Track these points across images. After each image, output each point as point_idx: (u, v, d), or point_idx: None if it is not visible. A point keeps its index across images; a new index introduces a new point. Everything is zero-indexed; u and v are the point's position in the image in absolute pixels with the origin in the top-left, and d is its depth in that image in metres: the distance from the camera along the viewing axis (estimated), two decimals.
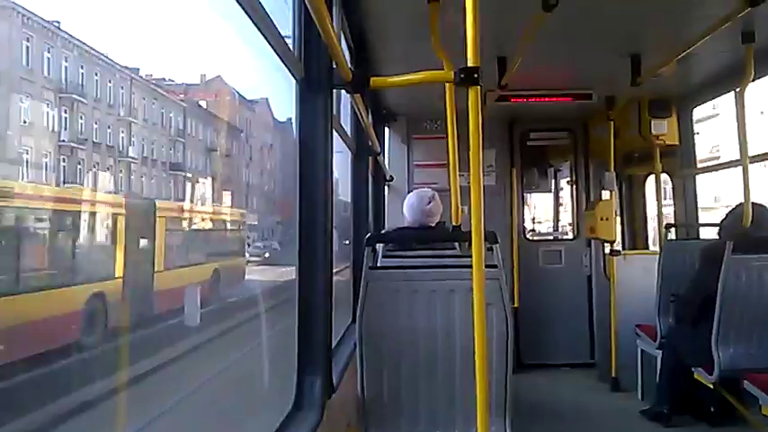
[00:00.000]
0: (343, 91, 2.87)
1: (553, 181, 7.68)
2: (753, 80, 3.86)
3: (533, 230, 7.69)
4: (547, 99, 5.06)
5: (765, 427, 3.79)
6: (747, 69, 3.76)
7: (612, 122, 5.31)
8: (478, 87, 1.97)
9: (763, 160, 4.70)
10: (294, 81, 2.36)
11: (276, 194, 22.20)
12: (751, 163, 4.06)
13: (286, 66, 2.16)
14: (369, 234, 2.78)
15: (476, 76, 1.94)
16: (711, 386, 3.86)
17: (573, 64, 4.57)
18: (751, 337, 3.70)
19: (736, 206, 4.09)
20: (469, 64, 1.95)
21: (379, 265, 2.87)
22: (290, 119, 2.75)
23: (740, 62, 3.86)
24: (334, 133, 2.93)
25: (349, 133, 4.07)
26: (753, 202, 3.91)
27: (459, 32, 1.96)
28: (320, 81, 2.35)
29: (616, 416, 4.58)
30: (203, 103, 18.65)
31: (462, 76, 1.96)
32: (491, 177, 6.18)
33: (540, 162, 7.08)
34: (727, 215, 4.20)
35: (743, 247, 3.71)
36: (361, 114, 3.42)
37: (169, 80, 15.95)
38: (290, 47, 2.22)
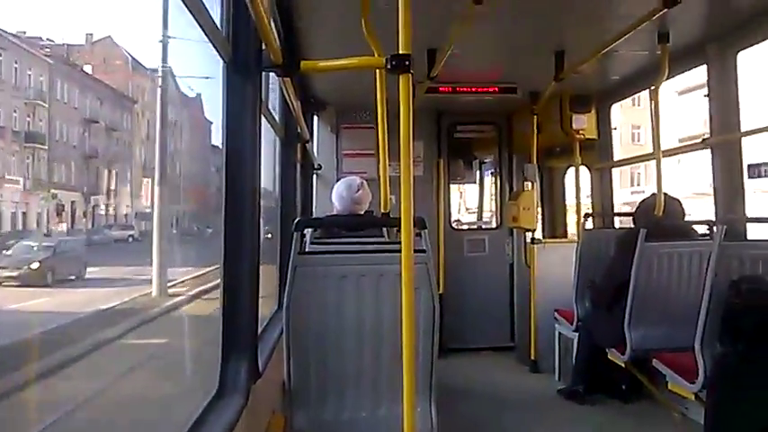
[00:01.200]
0: (272, 76, 2.82)
1: (478, 172, 7.88)
2: (666, 78, 4.10)
3: (458, 220, 7.87)
4: (474, 90, 5.17)
5: (671, 401, 4.06)
6: (662, 68, 3.98)
7: (536, 117, 5.50)
8: (409, 75, 1.99)
9: (675, 154, 5.00)
10: (222, 62, 2.30)
11: (182, 178, 18.80)
12: (664, 157, 4.32)
13: (213, 46, 2.10)
14: (297, 218, 2.76)
15: (407, 63, 1.96)
16: (623, 366, 4.10)
17: (500, 58, 4.69)
18: (660, 320, 3.93)
19: (649, 197, 4.34)
20: (401, 51, 1.96)
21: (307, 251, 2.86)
22: (200, 94, 2.63)
23: (656, 61, 4.08)
24: (263, 118, 2.89)
25: (278, 119, 4.01)
26: (665, 194, 4.16)
27: (390, 20, 1.97)
28: (249, 63, 2.30)
29: (535, 396, 4.78)
30: (88, 68, 16.37)
31: (393, 63, 1.97)
32: (419, 168, 6.27)
33: (467, 154, 7.25)
34: (639, 205, 4.44)
35: (655, 236, 3.94)
36: (290, 99, 3.38)
37: (48, 39, 13.74)
38: (218, 26, 2.16)
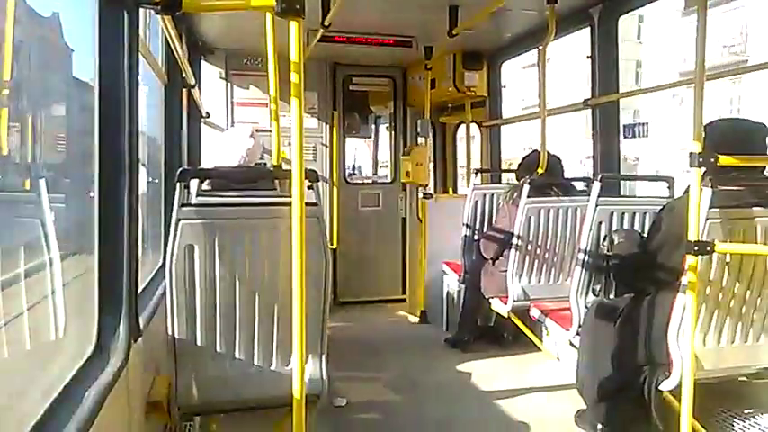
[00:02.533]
0: (154, 16, 2.61)
1: (373, 126, 7.86)
2: (553, 39, 4.23)
3: (354, 174, 7.86)
4: (369, 40, 5.10)
5: (548, 347, 4.36)
6: (550, 29, 4.10)
7: (429, 72, 5.53)
8: (301, 20, 1.90)
9: (559, 113, 5.22)
10: None
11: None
12: (548, 116, 4.49)
13: None
14: (181, 168, 2.61)
15: (298, 7, 1.87)
16: (506, 315, 4.32)
17: (395, 10, 4.62)
18: (540, 271, 4.16)
19: (530, 153, 4.51)
20: None
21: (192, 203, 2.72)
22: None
23: (544, 21, 4.20)
24: (142, 60, 2.67)
25: (160, 63, 3.75)
26: (547, 151, 4.35)
27: None
28: None
29: (423, 345, 4.94)
30: None
31: (284, 5, 1.87)
32: (313, 120, 6.15)
33: (362, 107, 7.19)
34: (522, 162, 4.61)
35: (537, 191, 4.12)
36: (172, 41, 3.15)
37: None
38: None
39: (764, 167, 2.75)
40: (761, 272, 2.62)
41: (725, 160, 2.35)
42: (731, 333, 2.73)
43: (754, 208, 2.62)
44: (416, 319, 5.66)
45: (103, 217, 2.06)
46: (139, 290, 2.50)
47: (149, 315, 2.58)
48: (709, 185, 2.43)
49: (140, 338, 2.27)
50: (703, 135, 2.40)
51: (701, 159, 2.33)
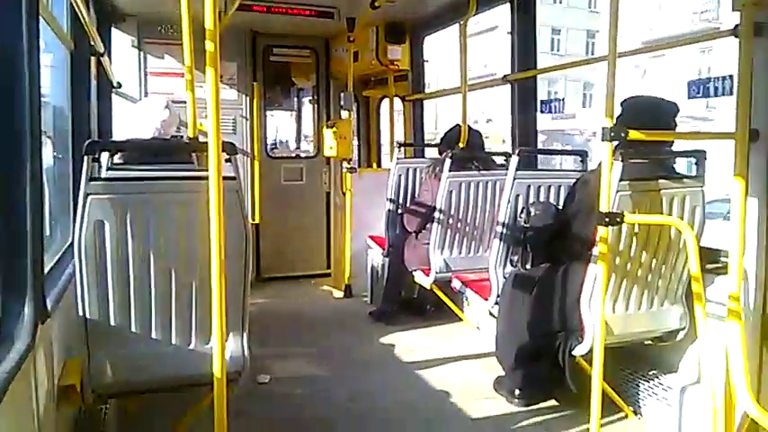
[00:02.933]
0: None
1: (296, 99, 7.71)
2: (474, 14, 4.28)
3: (276, 147, 7.69)
4: (290, 11, 4.97)
5: (468, 317, 4.48)
6: (471, 3, 4.14)
7: (352, 44, 5.46)
8: None
9: (480, 88, 5.31)
10: None
11: None
12: (469, 91, 4.56)
13: None
14: (89, 140, 2.47)
15: None
16: (428, 287, 4.40)
17: None
18: (461, 244, 4.26)
19: (452, 128, 4.57)
20: None
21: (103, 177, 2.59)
22: None
23: None
24: (44, 24, 2.49)
25: (65, 28, 3.51)
26: (468, 126, 4.42)
27: None
28: None
29: (348, 319, 4.97)
30: None
31: None
32: (232, 91, 5.97)
33: (284, 80, 7.02)
34: (444, 135, 4.67)
35: (458, 164, 4.19)
36: (78, 6, 2.94)
37: None
38: None
39: (672, 142, 2.90)
40: (665, 242, 2.78)
41: (634, 134, 2.45)
42: (638, 300, 2.90)
43: (660, 180, 2.77)
44: (341, 294, 5.67)
45: (2, 192, 1.92)
46: (46, 269, 2.37)
47: (58, 295, 2.45)
48: (620, 159, 2.54)
49: (48, 320, 2.16)
50: (618, 111, 2.49)
51: (612, 134, 2.43)
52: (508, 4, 4.41)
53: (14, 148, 1.90)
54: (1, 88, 1.90)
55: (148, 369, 2.41)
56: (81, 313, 2.29)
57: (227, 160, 2.27)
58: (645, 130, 2.51)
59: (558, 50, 35.55)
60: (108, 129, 5.08)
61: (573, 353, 2.89)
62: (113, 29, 5.36)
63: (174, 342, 2.43)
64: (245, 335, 2.51)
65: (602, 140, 2.44)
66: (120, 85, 5.33)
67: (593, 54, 32.57)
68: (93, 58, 4.19)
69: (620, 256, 2.70)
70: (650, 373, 3.16)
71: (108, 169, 2.85)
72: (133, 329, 2.37)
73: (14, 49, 1.93)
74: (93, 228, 2.25)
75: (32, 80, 1.96)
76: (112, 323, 2.34)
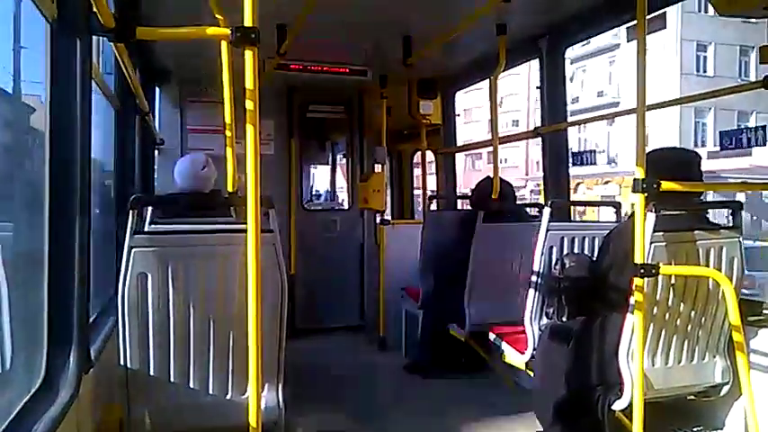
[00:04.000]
0: (110, 44, 2.59)
1: (330, 154, 7.89)
2: (504, 69, 4.37)
3: (311, 201, 7.84)
4: (325, 69, 5.15)
5: (505, 372, 4.40)
6: (500, 59, 4.24)
7: (385, 100, 5.61)
8: (255, 49, 1.93)
9: (511, 141, 5.38)
10: (45, 22, 2.06)
11: None
12: (500, 144, 4.62)
13: (33, 1, 1.88)
14: (134, 195, 2.58)
15: (253, 36, 1.90)
16: (463, 340, 4.35)
17: (350, 39, 4.71)
18: (496, 296, 4.22)
19: (483, 180, 4.61)
20: (246, 24, 1.89)
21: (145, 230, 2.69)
22: None
23: (495, 52, 4.33)
24: (95, 88, 2.65)
25: (113, 89, 3.71)
26: (499, 178, 4.46)
27: None
28: (76, 25, 2.09)
29: (382, 371, 4.93)
30: None
31: (239, 35, 1.90)
32: (269, 147, 6.14)
33: (319, 135, 7.22)
34: (475, 187, 4.71)
35: (491, 216, 4.20)
36: (125, 68, 3.13)
37: None
38: None
39: (701, 193, 2.89)
40: (703, 292, 2.72)
41: (666, 185, 2.46)
42: (678, 353, 2.82)
43: (694, 231, 2.74)
44: (375, 347, 5.64)
45: (54, 246, 2.02)
46: (90, 320, 2.45)
47: (101, 345, 2.52)
48: (653, 210, 2.54)
49: (91, 370, 2.22)
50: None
51: (644, 185, 2.43)
52: (537, 59, 4.51)
53: (66, 206, 2.01)
54: (55, 150, 2.02)
55: (186, 419, 2.44)
56: (122, 363, 2.35)
57: (264, 214, 2.34)
58: (674, 180, 2.52)
59: (704, 71, 28.10)
60: (150, 184, 5.27)
61: (612, 408, 2.81)
62: (157, 88, 5.63)
63: (211, 392, 2.46)
64: (281, 386, 2.52)
65: (633, 192, 2.45)
66: (162, 142, 5.56)
67: (746, 77, 26.05)
68: (137, 117, 4.40)
69: (657, 307, 2.66)
70: (695, 429, 3.04)
71: (151, 223, 2.96)
72: (172, 379, 2.42)
73: (69, 113, 2.06)
74: (137, 280, 2.33)
75: (84, 142, 2.09)
76: (152, 373, 2.39)
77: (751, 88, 2.79)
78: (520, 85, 34.85)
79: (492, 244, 4.18)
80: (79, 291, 2.07)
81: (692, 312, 2.77)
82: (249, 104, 1.94)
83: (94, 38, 2.28)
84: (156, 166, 5.54)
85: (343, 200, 7.42)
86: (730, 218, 2.87)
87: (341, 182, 7.77)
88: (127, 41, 2.65)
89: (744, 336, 2.42)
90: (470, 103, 29.82)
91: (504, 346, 3.88)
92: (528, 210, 4.59)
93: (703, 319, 2.80)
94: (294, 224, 6.15)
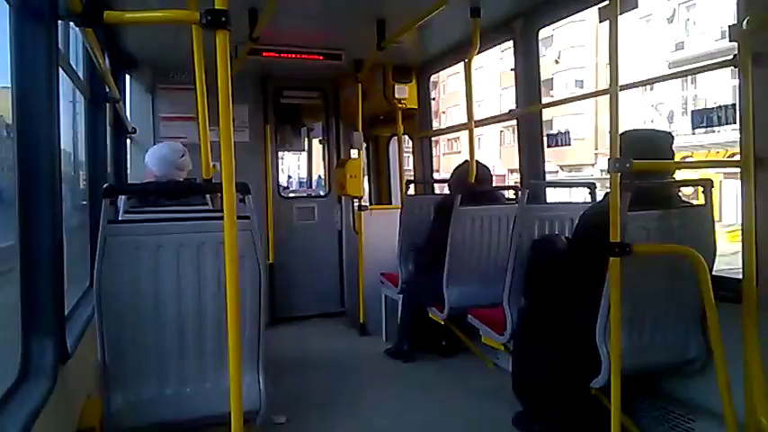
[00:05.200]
0: (76, 30, 2.53)
1: (306, 140, 7.85)
2: (478, 52, 4.37)
3: (287, 188, 7.79)
4: (298, 56, 5.10)
5: (484, 353, 4.45)
6: (474, 42, 4.24)
7: (360, 85, 5.58)
8: (227, 32, 1.89)
9: (487, 124, 5.39)
10: (7, 7, 2.01)
11: None
12: (476, 126, 4.63)
13: None
14: (107, 184, 2.53)
15: (224, 19, 1.87)
16: (443, 323, 4.39)
17: (324, 23, 4.66)
18: (474, 279, 4.25)
19: (461, 164, 4.63)
20: (217, 6, 1.86)
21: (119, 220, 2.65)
22: None
23: (469, 35, 4.33)
24: (62, 74, 2.59)
25: (81, 76, 3.63)
26: (476, 161, 4.47)
27: None
28: (41, 9, 2.03)
29: (363, 357, 4.94)
30: None
31: (209, 17, 1.86)
32: (245, 133, 6.08)
33: (294, 121, 7.17)
34: (453, 172, 4.72)
35: (468, 200, 4.22)
36: (94, 54, 3.06)
37: None
38: None
39: (673, 172, 2.93)
40: (677, 269, 2.77)
41: (639, 165, 2.49)
42: (653, 330, 2.88)
43: (668, 210, 2.79)
44: (356, 332, 5.65)
45: (25, 237, 1.98)
46: (66, 311, 2.41)
47: (78, 336, 2.49)
48: (626, 189, 2.57)
49: (69, 361, 2.19)
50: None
51: (617, 165, 2.46)
52: (511, 42, 4.51)
53: (36, 196, 1.97)
54: (22, 138, 1.98)
55: (166, 409, 2.42)
56: (99, 355, 2.32)
57: (240, 200, 2.32)
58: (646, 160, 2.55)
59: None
60: (123, 173, 5.19)
61: (590, 386, 2.86)
62: (127, 75, 5.52)
63: (191, 382, 2.45)
64: (261, 374, 2.52)
65: (609, 171, 2.48)
66: (134, 130, 5.46)
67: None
68: (108, 104, 4.31)
69: (631, 286, 2.70)
70: (671, 405, 3.11)
71: (125, 212, 2.91)
72: (150, 370, 2.40)
73: (35, 99, 2.01)
74: (111, 270, 2.30)
75: (51, 129, 2.04)
76: (130, 364, 2.36)
77: (723, 66, 2.82)
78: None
79: (470, 227, 4.20)
80: (54, 281, 2.04)
81: (666, 290, 2.82)
82: (221, 90, 1.92)
83: (61, 22, 2.22)
84: (128, 155, 5.44)
85: (320, 186, 7.39)
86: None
87: (317, 168, 7.73)
88: (94, 26, 2.59)
89: (717, 312, 2.46)
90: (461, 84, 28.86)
91: (483, 327, 3.92)
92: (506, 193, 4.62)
93: (677, 296, 2.85)
94: (271, 212, 6.11)
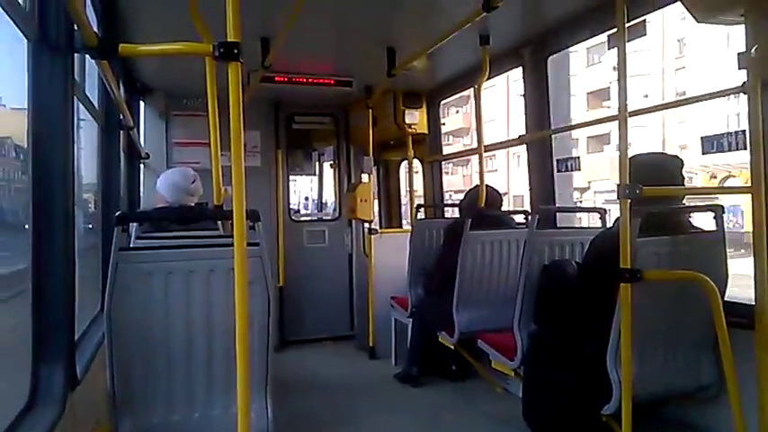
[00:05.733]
0: (92, 60, 2.60)
1: (317, 164, 7.91)
2: (487, 78, 4.41)
3: (298, 211, 7.83)
4: (310, 81, 5.17)
5: (494, 378, 4.41)
6: (484, 68, 4.28)
7: (371, 110, 5.64)
8: (239, 64, 1.93)
9: (496, 149, 5.41)
10: (26, 41, 2.06)
11: None
12: (486, 151, 4.65)
13: (13, 21, 1.88)
14: (119, 212, 2.57)
15: (236, 51, 1.91)
16: (453, 347, 4.36)
17: (335, 51, 4.73)
18: (484, 303, 4.23)
19: (472, 188, 4.64)
20: (229, 39, 1.90)
21: (131, 246, 2.68)
22: None
23: (478, 62, 4.37)
24: (78, 104, 2.65)
25: (96, 105, 3.70)
26: (486, 185, 4.48)
27: (220, 5, 1.90)
28: (58, 43, 2.09)
29: (372, 381, 4.92)
30: None
31: (222, 50, 1.91)
32: (256, 158, 6.15)
33: (305, 145, 7.23)
34: (465, 196, 4.74)
35: (478, 224, 4.22)
36: (108, 84, 3.13)
37: None
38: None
39: (683, 198, 2.92)
40: (689, 295, 2.75)
41: (648, 191, 2.49)
42: (665, 356, 2.85)
43: (678, 236, 2.78)
44: (366, 356, 5.63)
45: (38, 263, 2.01)
46: (76, 337, 2.43)
47: (87, 363, 2.50)
48: (636, 215, 2.57)
49: (78, 387, 2.20)
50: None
51: (627, 191, 2.46)
52: (521, 68, 4.55)
53: (51, 222, 2.00)
54: (37, 167, 2.02)
55: None
56: (108, 381, 2.33)
57: (251, 227, 2.34)
58: (656, 185, 2.55)
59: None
60: (136, 198, 5.25)
61: (601, 412, 2.83)
62: (141, 102, 5.62)
63: (198, 409, 2.45)
64: (268, 400, 2.51)
65: (618, 198, 2.48)
66: (147, 156, 5.54)
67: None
68: (122, 131, 4.38)
69: (642, 311, 2.68)
70: (683, 431, 3.06)
71: (137, 238, 2.94)
72: (160, 397, 2.40)
73: (51, 129, 2.06)
74: (122, 296, 2.32)
75: (66, 158, 2.08)
76: (139, 390, 2.37)
77: (731, 93, 2.83)
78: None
79: (480, 251, 4.19)
80: (65, 307, 2.06)
81: (678, 316, 2.80)
82: (233, 118, 1.95)
83: (78, 55, 2.28)
84: (142, 180, 5.51)
85: (330, 210, 7.42)
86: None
87: (328, 192, 7.77)
88: (109, 59, 2.66)
89: (729, 338, 2.44)
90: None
91: (493, 352, 3.89)
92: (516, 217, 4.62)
93: (689, 322, 2.83)
94: (282, 235, 6.14)
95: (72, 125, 2.18)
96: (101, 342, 2.69)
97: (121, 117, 4.10)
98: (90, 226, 4.04)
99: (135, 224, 3.21)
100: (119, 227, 2.33)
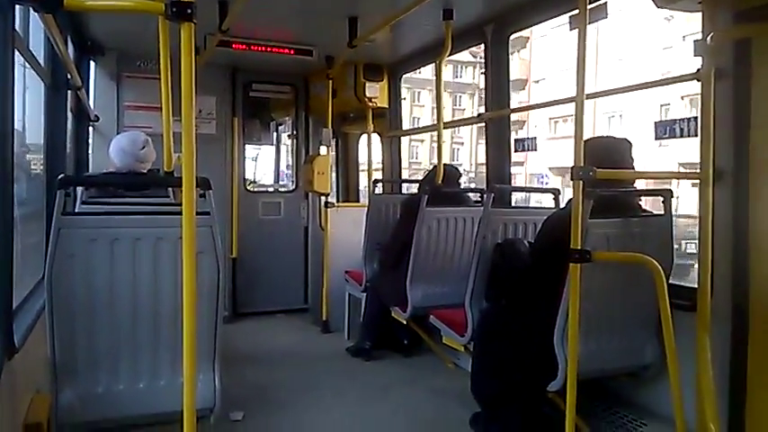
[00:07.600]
0: (36, 15, 2.46)
1: (275, 134, 7.77)
2: (449, 54, 4.38)
3: (254, 182, 7.71)
4: (269, 49, 5.04)
5: (445, 353, 4.47)
6: (446, 44, 4.25)
7: (331, 81, 5.55)
8: (192, 24, 1.86)
9: (455, 126, 5.40)
10: None
11: None
12: (444, 128, 4.64)
13: None
14: (62, 175, 2.46)
15: (189, 11, 1.83)
16: (405, 322, 4.39)
17: (296, 18, 4.61)
18: (437, 279, 4.26)
19: (434, 167, 4.64)
20: None
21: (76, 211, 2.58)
22: None
23: (441, 37, 4.33)
24: (20, 59, 2.51)
25: (42, 62, 3.53)
26: (444, 163, 4.48)
27: None
28: None
29: (324, 354, 4.93)
30: None
31: (174, 9, 1.83)
32: (211, 125, 6.00)
33: (263, 115, 7.09)
34: (426, 174, 4.73)
35: (435, 201, 4.23)
36: (55, 40, 2.97)
37: None
38: None
39: (633, 181, 2.98)
40: (635, 277, 2.82)
41: (602, 174, 2.52)
42: (609, 336, 2.92)
43: (628, 218, 2.83)
44: (319, 329, 5.63)
45: None
46: (15, 305, 2.34)
47: (27, 330, 2.41)
48: (589, 197, 2.60)
49: (16, 355, 2.12)
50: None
51: (580, 173, 2.49)
52: (483, 45, 4.54)
53: None
54: None
55: (117, 406, 2.37)
56: (49, 349, 2.25)
57: (201, 195, 2.28)
58: (606, 168, 2.59)
59: None
60: (84, 162, 5.06)
61: (547, 389, 2.89)
62: (91, 62, 5.38)
63: (143, 378, 2.40)
64: (216, 371, 2.48)
65: (572, 179, 2.50)
66: (97, 119, 5.33)
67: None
68: (69, 92, 4.20)
69: (590, 291, 2.73)
70: (625, 409, 3.16)
71: (83, 203, 2.84)
72: (102, 365, 2.34)
73: None
74: (64, 262, 2.23)
75: (4, 113, 1.97)
76: (81, 359, 2.31)
77: (685, 80, 2.88)
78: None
79: (435, 228, 4.21)
80: (2, 273, 1.97)
81: (624, 296, 2.87)
82: (185, 82, 1.88)
83: (19, 7, 2.15)
84: (91, 144, 5.31)
85: (287, 181, 7.33)
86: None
87: (285, 163, 7.67)
88: (53, 12, 2.52)
89: (672, 319, 2.52)
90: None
91: (444, 328, 3.93)
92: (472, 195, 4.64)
93: (634, 303, 2.90)
94: (236, 206, 6.04)
95: (12, 82, 2.06)
96: (42, 310, 2.61)
97: (69, 76, 3.92)
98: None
99: (81, 189, 3.08)
100: (62, 190, 2.24)
